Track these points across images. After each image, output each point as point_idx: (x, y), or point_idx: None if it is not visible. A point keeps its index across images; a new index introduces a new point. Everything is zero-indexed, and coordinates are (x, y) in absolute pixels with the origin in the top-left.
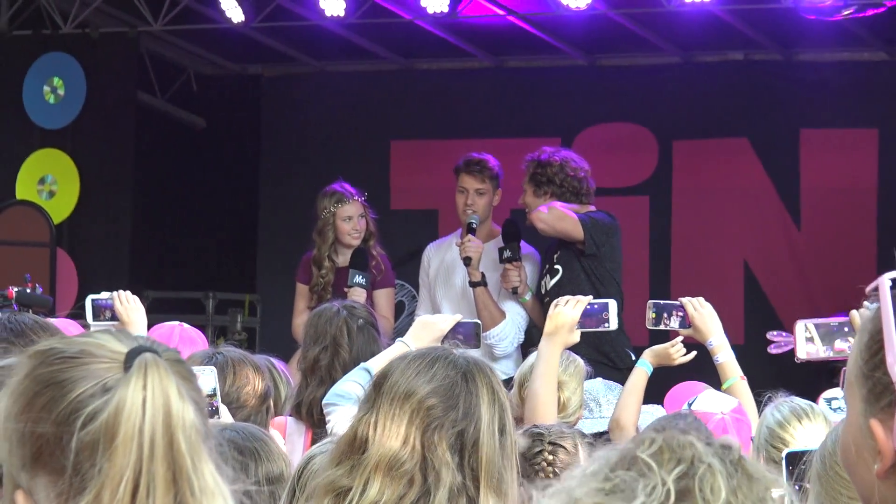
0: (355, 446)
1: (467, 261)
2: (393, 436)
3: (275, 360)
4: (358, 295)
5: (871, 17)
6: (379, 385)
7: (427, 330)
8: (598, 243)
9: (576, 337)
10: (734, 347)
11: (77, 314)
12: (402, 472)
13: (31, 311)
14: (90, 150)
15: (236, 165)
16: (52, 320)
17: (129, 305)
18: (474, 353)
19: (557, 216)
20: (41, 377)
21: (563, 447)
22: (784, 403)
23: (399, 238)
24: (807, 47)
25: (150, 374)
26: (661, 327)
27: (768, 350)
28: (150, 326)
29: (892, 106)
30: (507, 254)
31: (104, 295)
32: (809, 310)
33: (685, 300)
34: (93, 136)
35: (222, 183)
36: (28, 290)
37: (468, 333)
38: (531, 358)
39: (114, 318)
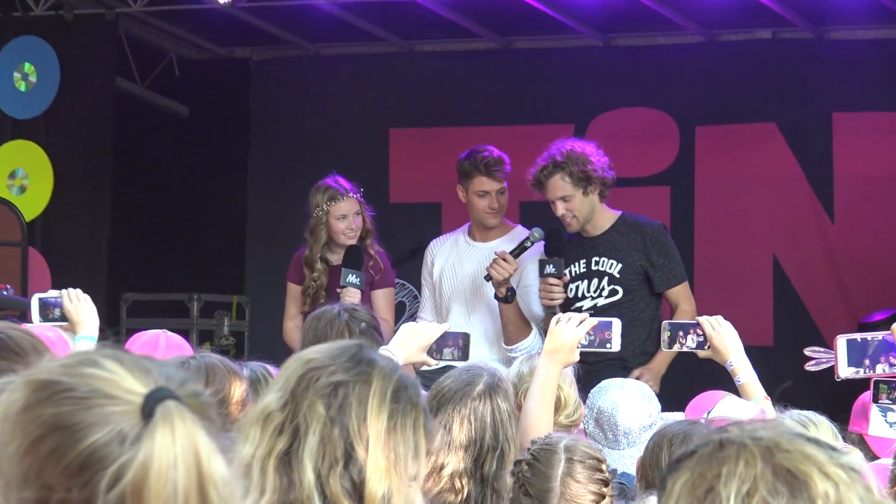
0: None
1: (487, 278)
2: (271, 390)
3: (270, 368)
4: (351, 296)
5: None
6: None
7: (413, 338)
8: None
9: (576, 356)
10: (763, 350)
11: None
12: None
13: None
14: (65, 142)
15: (223, 157)
16: (29, 326)
17: (79, 304)
18: (486, 363)
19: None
20: (46, 420)
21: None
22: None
23: (399, 234)
24: (840, 24)
25: (177, 426)
26: (677, 349)
27: (805, 367)
28: (129, 332)
29: None
30: (550, 269)
31: (52, 293)
32: (844, 309)
33: (702, 319)
34: (67, 127)
35: (208, 176)
36: (4, 293)
37: (457, 345)
38: (516, 366)
39: (63, 318)
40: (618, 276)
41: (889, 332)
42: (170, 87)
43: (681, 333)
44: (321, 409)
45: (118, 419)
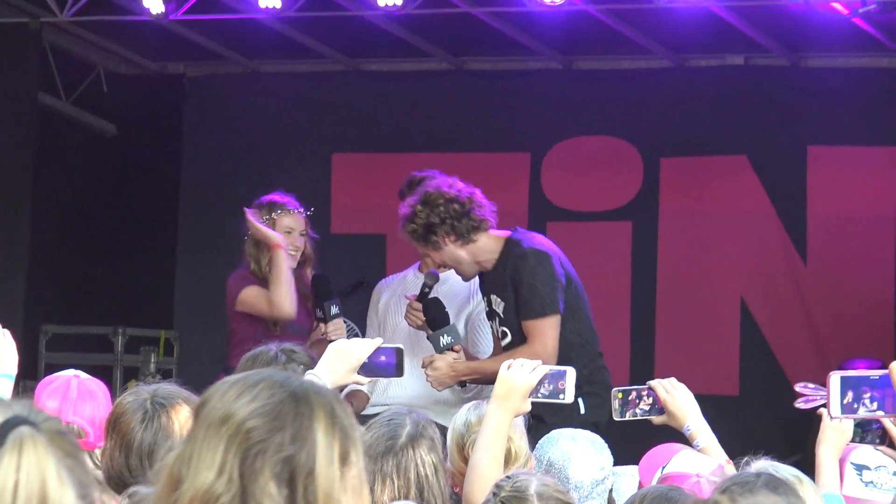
0: (171, 488)
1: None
2: (206, 465)
3: None
4: (336, 328)
5: (892, 18)
6: (196, 414)
7: (341, 359)
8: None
9: (527, 405)
10: (728, 399)
11: None
12: None
13: None
14: None
15: (152, 180)
16: None
17: None
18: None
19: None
20: None
21: None
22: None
23: (341, 266)
24: (817, 51)
25: (24, 452)
26: (629, 417)
27: (794, 404)
28: (47, 370)
29: None
30: (447, 339)
31: None
32: (816, 358)
33: (654, 383)
34: None
35: (136, 200)
36: None
37: (389, 360)
38: (463, 414)
39: None
40: (503, 315)
41: (887, 371)
42: (97, 104)
43: (632, 401)
44: (273, 489)
45: None
